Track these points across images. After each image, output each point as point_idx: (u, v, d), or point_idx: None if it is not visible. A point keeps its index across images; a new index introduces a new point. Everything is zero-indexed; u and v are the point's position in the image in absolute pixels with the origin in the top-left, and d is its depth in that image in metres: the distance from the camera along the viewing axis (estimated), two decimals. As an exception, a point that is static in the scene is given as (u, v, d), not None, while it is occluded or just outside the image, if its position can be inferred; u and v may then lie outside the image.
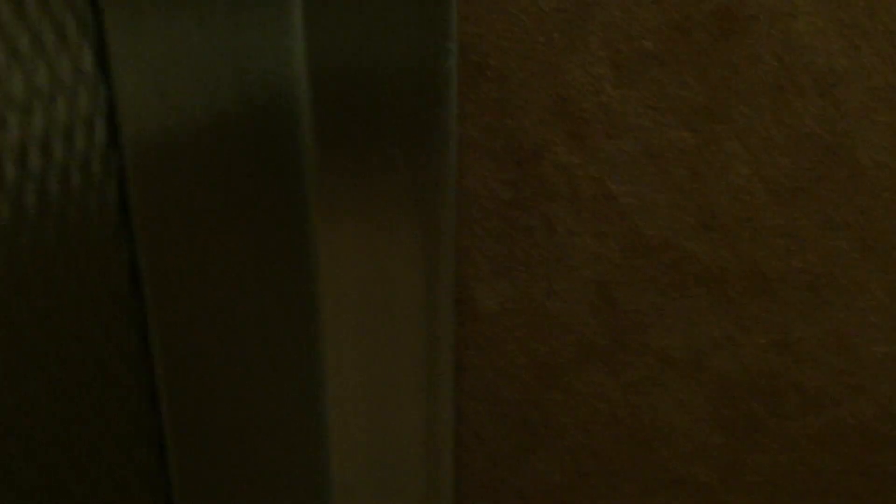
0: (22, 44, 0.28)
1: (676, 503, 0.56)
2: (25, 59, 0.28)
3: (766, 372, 0.51)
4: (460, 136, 0.49)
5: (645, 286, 0.50)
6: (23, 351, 0.31)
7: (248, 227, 0.45)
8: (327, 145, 0.49)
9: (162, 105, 0.37)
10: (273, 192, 0.47)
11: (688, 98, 0.45)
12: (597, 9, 0.45)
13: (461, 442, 0.58)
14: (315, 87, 0.47)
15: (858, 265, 0.47)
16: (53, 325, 0.33)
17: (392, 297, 0.53)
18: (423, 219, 0.51)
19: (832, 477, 0.53)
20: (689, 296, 0.50)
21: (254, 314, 0.47)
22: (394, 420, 0.57)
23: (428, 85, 0.48)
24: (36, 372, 0.32)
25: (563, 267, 0.51)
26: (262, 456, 0.51)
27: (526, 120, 0.48)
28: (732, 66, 0.44)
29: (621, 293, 0.51)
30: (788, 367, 0.50)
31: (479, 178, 0.50)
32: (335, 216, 0.51)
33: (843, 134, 0.44)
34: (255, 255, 0.46)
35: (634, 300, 0.51)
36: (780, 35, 0.43)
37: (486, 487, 0.59)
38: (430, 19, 0.46)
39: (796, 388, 0.51)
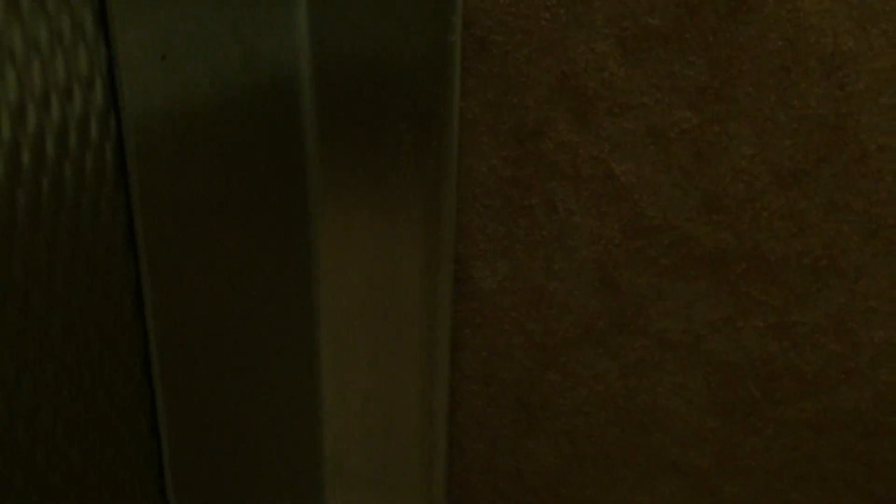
0: (22, -3, 0.28)
1: (671, 486, 0.56)
2: (25, 13, 0.28)
3: (763, 356, 0.50)
4: (462, 112, 0.49)
5: (645, 267, 0.50)
6: (15, 312, 0.31)
7: (248, 198, 0.45)
8: (329, 120, 0.48)
9: (163, 70, 0.36)
10: (274, 166, 0.46)
11: (693, 77, 0.45)
12: (603, -15, 0.44)
13: (457, 422, 0.58)
14: (318, 61, 0.47)
15: (860, 249, 0.47)
16: (48, 285, 0.32)
17: (391, 275, 0.53)
18: (424, 196, 0.51)
19: (827, 463, 0.53)
20: (689, 278, 0.49)
21: (251, 289, 0.47)
22: (389, 399, 0.57)
23: (431, 60, 0.47)
24: (29, 337, 0.32)
25: (562, 247, 0.51)
26: (256, 438, 0.51)
27: (529, 97, 0.47)
28: (739, 46, 0.44)
29: (621, 274, 0.50)
30: (786, 352, 0.50)
31: (481, 155, 0.50)
32: (336, 192, 0.50)
33: (848, 116, 0.44)
34: (254, 229, 0.46)
35: (634, 281, 0.50)
36: (787, 15, 0.43)
37: (481, 468, 0.59)
38: (435, -6, 0.46)
39: (794, 372, 0.50)
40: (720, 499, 0.55)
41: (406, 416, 0.57)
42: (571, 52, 0.46)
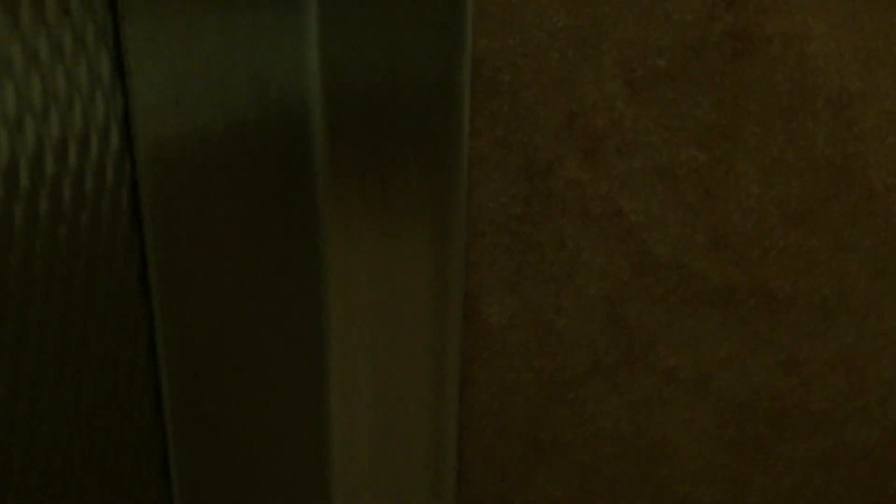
0: (41, 48, 0.28)
1: (680, 523, 0.56)
2: (44, 63, 0.29)
3: (772, 393, 0.50)
4: (472, 150, 0.49)
5: (653, 304, 0.50)
6: (35, 351, 0.31)
7: (260, 238, 0.45)
8: (339, 158, 0.49)
9: (177, 113, 0.37)
10: (285, 202, 0.47)
11: (700, 117, 0.45)
12: (611, 26, 0.45)
13: (466, 456, 0.58)
14: (329, 98, 0.48)
15: (868, 288, 0.47)
16: (65, 326, 0.33)
17: (400, 310, 0.53)
18: (433, 232, 0.51)
19: (836, 500, 0.53)
20: (697, 315, 0.49)
21: (262, 324, 0.47)
22: (398, 432, 0.57)
23: (441, 98, 0.48)
24: (47, 371, 0.32)
25: (571, 283, 0.51)
26: (265, 462, 0.51)
27: (538, 135, 0.48)
28: (746, 87, 0.44)
29: (629, 310, 0.51)
30: (795, 389, 0.50)
31: (490, 192, 0.50)
32: (346, 228, 0.51)
33: (854, 156, 0.44)
34: (265, 266, 0.46)
35: (642, 318, 0.51)
36: (794, 57, 0.43)
37: (490, 502, 0.59)
38: (445, 33, 0.46)
39: (802, 409, 0.51)
40: (729, 535, 0.55)
41: (415, 449, 0.57)
42: (580, 91, 0.47)
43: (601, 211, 0.49)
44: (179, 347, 0.39)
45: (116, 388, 0.36)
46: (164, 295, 0.37)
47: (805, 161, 0.45)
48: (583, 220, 0.49)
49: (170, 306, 0.38)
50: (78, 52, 0.30)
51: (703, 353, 0.50)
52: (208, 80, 0.38)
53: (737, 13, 0.43)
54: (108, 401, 0.37)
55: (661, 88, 0.45)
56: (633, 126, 0.47)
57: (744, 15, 0.42)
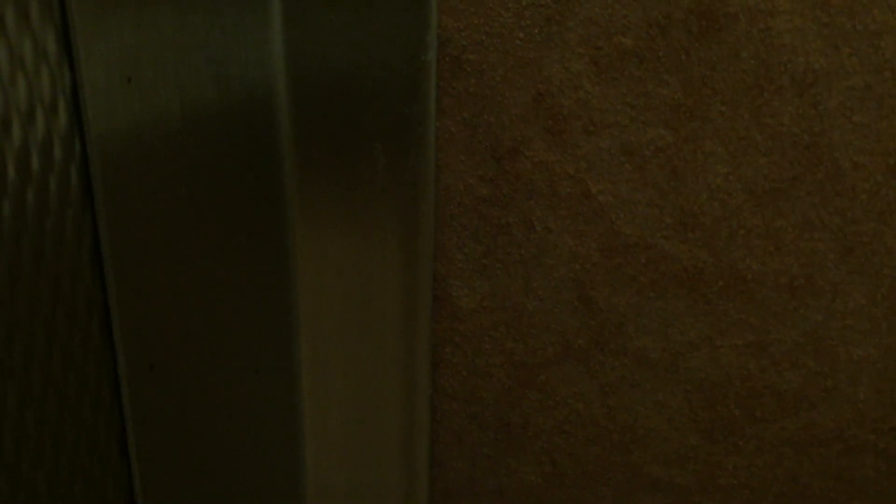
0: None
1: (652, 505, 0.56)
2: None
3: (742, 374, 0.50)
4: (438, 131, 0.49)
5: (623, 286, 0.50)
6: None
7: (222, 222, 0.45)
8: (305, 141, 0.49)
9: (130, 92, 0.36)
10: (250, 186, 0.46)
11: (667, 96, 0.45)
12: (576, 5, 0.44)
13: (438, 440, 0.58)
14: (293, 80, 0.47)
15: (836, 267, 0.47)
16: (10, 310, 0.32)
17: (370, 294, 0.53)
18: (401, 215, 0.51)
19: (808, 481, 0.53)
20: (667, 296, 0.49)
21: (227, 309, 0.47)
22: (370, 417, 0.57)
23: (407, 79, 0.48)
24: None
25: (540, 265, 0.51)
26: (236, 454, 0.51)
27: (504, 116, 0.48)
28: (711, 65, 0.44)
29: (599, 292, 0.50)
30: (765, 370, 0.50)
31: (458, 174, 0.50)
32: (314, 211, 0.50)
33: (820, 134, 0.44)
34: (229, 249, 0.46)
35: (612, 300, 0.50)
36: (759, 34, 0.43)
37: (463, 486, 0.59)
38: (410, 13, 0.46)
39: (773, 390, 0.50)
40: (701, 517, 0.55)
41: (387, 433, 0.57)
42: (546, 71, 0.46)
43: (569, 192, 0.48)
44: (136, 329, 0.39)
45: (69, 371, 0.36)
46: (118, 273, 0.36)
47: (771, 140, 0.45)
48: (551, 201, 0.49)
49: (125, 289, 0.37)
50: (21, 25, 0.29)
51: (672, 335, 0.50)
52: (163, 60, 0.38)
53: (701, -10, 0.42)
54: (59, 388, 0.36)
55: (627, 67, 0.45)
56: (599, 105, 0.46)
57: (708, -9, 0.42)
